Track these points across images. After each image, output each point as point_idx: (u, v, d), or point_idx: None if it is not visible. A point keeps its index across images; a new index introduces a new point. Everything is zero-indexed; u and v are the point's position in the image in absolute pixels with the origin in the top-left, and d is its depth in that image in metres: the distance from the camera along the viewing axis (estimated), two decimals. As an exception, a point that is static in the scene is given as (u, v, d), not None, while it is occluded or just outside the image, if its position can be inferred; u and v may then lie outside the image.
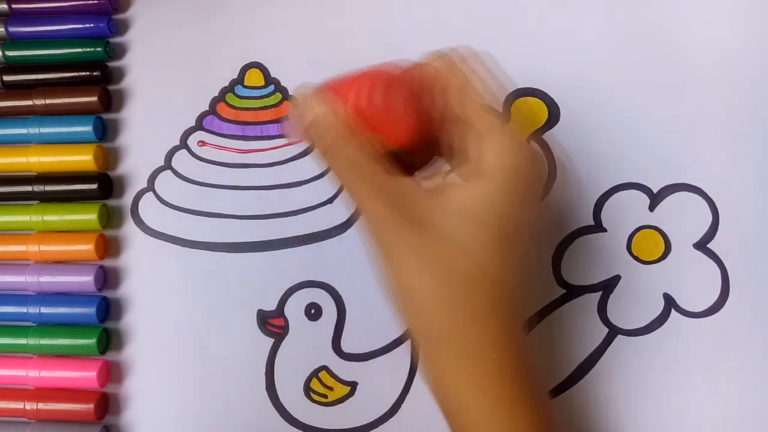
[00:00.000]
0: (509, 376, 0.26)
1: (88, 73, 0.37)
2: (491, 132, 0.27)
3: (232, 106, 0.37)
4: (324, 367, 0.35)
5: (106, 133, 0.38)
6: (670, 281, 0.35)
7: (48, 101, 0.37)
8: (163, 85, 0.38)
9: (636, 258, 0.35)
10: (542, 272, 0.35)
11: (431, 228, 0.26)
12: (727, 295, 0.34)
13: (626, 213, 0.35)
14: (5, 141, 0.37)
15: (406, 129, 0.27)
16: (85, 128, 0.36)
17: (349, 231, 0.36)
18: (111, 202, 0.37)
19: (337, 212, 0.36)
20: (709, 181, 0.35)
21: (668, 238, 0.35)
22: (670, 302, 0.34)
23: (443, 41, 0.36)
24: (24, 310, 0.36)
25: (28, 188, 0.36)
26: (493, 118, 0.27)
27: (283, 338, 0.35)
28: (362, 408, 0.35)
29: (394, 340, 0.35)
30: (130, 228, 0.37)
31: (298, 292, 0.36)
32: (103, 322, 0.36)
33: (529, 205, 0.27)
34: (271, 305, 0.36)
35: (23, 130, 0.37)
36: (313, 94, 0.28)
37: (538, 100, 0.36)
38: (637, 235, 0.35)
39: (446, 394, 0.27)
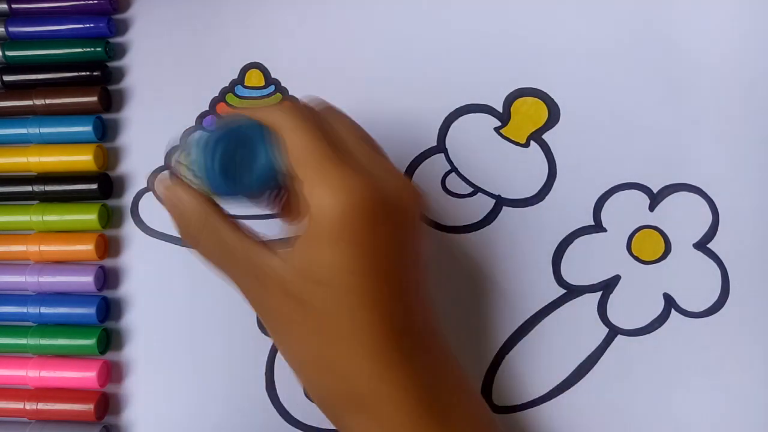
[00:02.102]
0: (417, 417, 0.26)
1: (88, 73, 0.37)
2: (304, 177, 0.25)
3: (232, 106, 0.37)
4: (324, 367, 0.35)
5: (106, 133, 0.38)
6: (670, 281, 0.35)
7: (48, 101, 0.37)
8: (163, 85, 0.38)
9: (636, 258, 0.35)
10: (542, 272, 0.35)
11: (299, 298, 0.25)
12: (727, 295, 0.34)
13: (626, 213, 0.35)
14: (5, 141, 0.37)
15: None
16: (85, 128, 0.36)
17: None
18: (111, 202, 0.37)
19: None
20: (709, 181, 0.35)
21: (668, 238, 0.35)
22: (670, 302, 0.34)
23: (443, 41, 0.37)
24: (24, 310, 0.36)
25: (28, 188, 0.36)
26: (312, 162, 0.25)
27: (283, 338, 0.35)
28: (362, 408, 0.35)
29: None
30: (130, 228, 0.37)
31: (298, 292, 0.36)
32: (103, 322, 0.36)
33: (376, 242, 0.25)
34: (271, 305, 0.36)
35: (23, 130, 0.37)
36: (171, 182, 0.27)
37: (538, 100, 0.36)
38: (637, 235, 0.35)
39: None
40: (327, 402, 0.27)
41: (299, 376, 0.27)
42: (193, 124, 0.37)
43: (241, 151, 0.26)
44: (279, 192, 0.28)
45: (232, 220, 0.27)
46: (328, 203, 0.24)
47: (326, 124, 0.27)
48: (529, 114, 0.36)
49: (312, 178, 0.25)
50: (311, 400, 0.28)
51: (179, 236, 0.29)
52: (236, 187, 0.27)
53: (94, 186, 0.36)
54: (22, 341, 0.35)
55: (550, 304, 0.35)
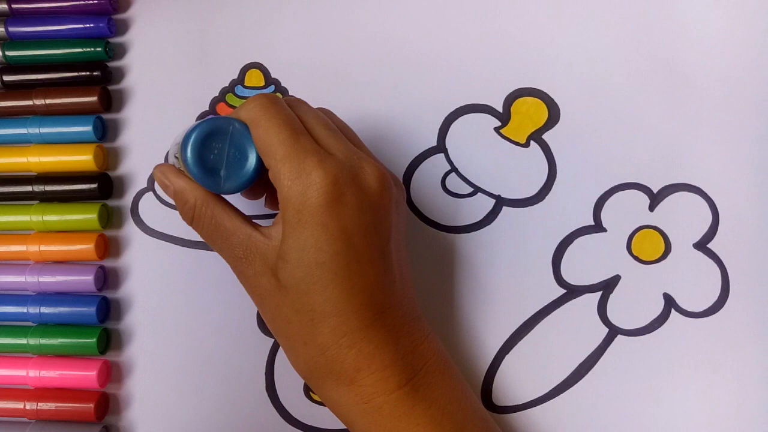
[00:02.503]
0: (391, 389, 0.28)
1: (88, 73, 0.37)
2: (277, 166, 0.27)
3: (232, 106, 0.37)
4: (324, 367, 0.35)
5: (106, 133, 0.38)
6: (670, 281, 0.35)
7: (48, 101, 0.37)
8: (163, 85, 0.38)
9: (636, 258, 0.35)
10: (542, 272, 0.35)
11: (278, 276, 0.27)
12: (727, 295, 0.34)
13: (626, 213, 0.35)
14: (5, 141, 0.37)
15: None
16: (85, 128, 0.36)
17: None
18: (111, 202, 0.37)
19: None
20: (709, 181, 0.35)
21: (668, 238, 0.35)
22: (670, 302, 0.34)
23: (443, 41, 0.37)
24: (24, 310, 0.36)
25: (28, 188, 0.36)
26: (280, 150, 0.27)
27: (283, 338, 0.35)
28: (362, 408, 0.35)
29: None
30: (130, 228, 0.37)
31: (298, 292, 0.36)
32: (103, 322, 0.36)
33: (341, 221, 0.27)
34: (271, 305, 0.36)
35: (23, 130, 0.37)
36: (169, 169, 0.30)
37: (538, 100, 0.36)
38: (637, 235, 0.35)
39: (338, 414, 0.29)
40: (310, 374, 0.28)
41: (285, 351, 0.29)
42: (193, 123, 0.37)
43: (220, 146, 0.28)
44: (260, 182, 0.29)
45: (222, 200, 0.29)
46: (292, 188, 0.26)
47: (294, 115, 0.28)
48: (529, 114, 0.36)
49: (277, 166, 0.27)
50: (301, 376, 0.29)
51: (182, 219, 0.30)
52: (220, 182, 0.28)
53: (94, 186, 0.36)
54: (22, 341, 0.35)
55: (550, 304, 0.35)
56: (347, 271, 0.27)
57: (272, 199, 0.33)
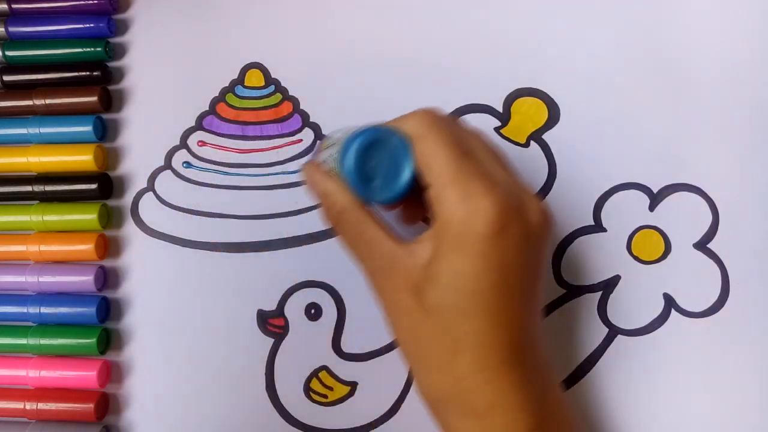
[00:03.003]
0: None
1: (88, 73, 0.37)
2: (440, 185, 0.26)
3: (232, 106, 0.37)
4: (324, 367, 0.35)
5: (106, 133, 0.38)
6: (670, 281, 0.35)
7: (48, 101, 0.37)
8: (163, 85, 0.38)
9: (636, 258, 0.35)
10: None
11: (422, 296, 0.26)
12: (727, 295, 0.34)
13: (626, 213, 0.35)
14: (5, 141, 0.37)
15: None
16: (85, 128, 0.36)
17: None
18: (111, 202, 0.37)
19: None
20: (709, 181, 0.35)
21: (668, 238, 0.35)
22: (670, 302, 0.34)
23: (443, 41, 0.37)
24: (24, 310, 0.36)
25: (28, 188, 0.36)
26: (447, 170, 0.26)
27: (283, 338, 0.35)
28: (362, 408, 0.35)
29: (395, 340, 0.35)
30: (130, 228, 0.37)
31: (298, 292, 0.36)
32: (103, 322, 0.36)
33: (503, 253, 0.25)
34: (271, 305, 0.36)
35: (23, 130, 0.37)
36: (317, 169, 0.29)
37: (538, 100, 0.36)
38: (637, 235, 0.35)
39: None
40: (437, 402, 0.27)
41: (414, 372, 0.28)
42: (193, 124, 0.37)
43: (378, 156, 0.27)
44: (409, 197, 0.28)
45: (368, 209, 0.28)
46: (457, 211, 0.25)
47: (460, 135, 0.27)
48: (529, 114, 0.36)
49: (444, 186, 0.26)
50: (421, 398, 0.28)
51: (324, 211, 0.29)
52: (371, 192, 0.27)
53: (94, 186, 0.36)
54: (22, 341, 0.35)
55: (550, 304, 0.35)
56: (499, 305, 0.26)
57: (410, 215, 0.32)
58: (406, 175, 0.27)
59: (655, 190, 0.35)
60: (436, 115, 0.27)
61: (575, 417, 0.29)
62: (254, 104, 0.37)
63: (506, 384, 0.26)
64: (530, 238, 0.26)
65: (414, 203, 0.29)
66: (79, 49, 0.37)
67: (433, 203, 0.26)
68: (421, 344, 0.27)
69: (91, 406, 0.35)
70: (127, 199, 0.37)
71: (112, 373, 0.36)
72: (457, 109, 0.36)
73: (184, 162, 0.37)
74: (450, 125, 0.27)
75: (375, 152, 0.27)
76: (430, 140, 0.26)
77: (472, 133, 0.29)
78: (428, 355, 0.27)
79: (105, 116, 0.38)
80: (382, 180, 0.27)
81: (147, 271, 0.37)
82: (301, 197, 0.36)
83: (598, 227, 0.35)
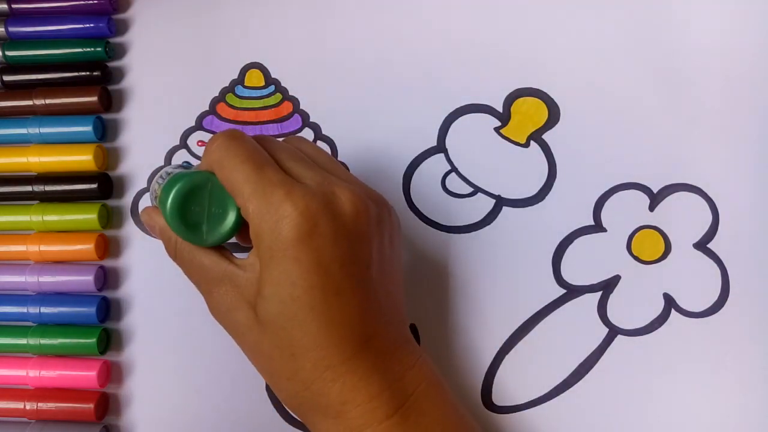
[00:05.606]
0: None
1: (88, 73, 0.37)
2: (245, 203, 0.26)
3: (232, 106, 0.37)
4: (324, 367, 0.35)
5: (106, 133, 0.38)
6: (670, 281, 0.35)
7: (48, 101, 0.37)
8: (163, 85, 0.38)
9: (636, 258, 0.35)
10: (542, 272, 0.35)
11: (256, 311, 0.27)
12: (727, 295, 0.34)
13: (626, 213, 0.35)
14: (5, 141, 0.37)
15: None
16: (85, 128, 0.36)
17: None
18: (111, 202, 0.37)
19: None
20: (709, 181, 0.35)
21: (668, 238, 0.35)
22: (670, 302, 0.34)
23: (443, 41, 0.37)
24: (24, 310, 0.36)
25: (28, 188, 0.36)
26: (247, 187, 0.26)
27: (283, 338, 0.35)
28: (362, 408, 0.35)
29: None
30: (130, 228, 0.37)
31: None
32: (103, 322, 0.36)
33: (316, 254, 0.26)
34: (271, 305, 0.36)
35: (23, 130, 0.37)
36: (153, 210, 0.30)
37: (538, 100, 0.36)
38: (637, 235, 0.35)
39: None
40: (297, 408, 0.28)
41: (269, 384, 0.29)
42: (193, 124, 0.37)
43: (199, 202, 0.28)
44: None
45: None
46: (262, 224, 0.26)
47: (257, 149, 0.28)
48: (529, 114, 0.36)
49: (248, 201, 0.26)
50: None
51: None
52: (197, 235, 0.28)
53: (94, 186, 0.36)
54: (22, 341, 0.35)
55: (550, 304, 0.35)
56: (324, 304, 0.26)
57: (246, 237, 0.33)
58: (232, 213, 0.28)
59: (655, 190, 0.35)
60: (231, 135, 0.28)
61: (442, 386, 0.29)
62: (254, 104, 0.37)
63: (354, 378, 0.26)
64: (344, 230, 0.26)
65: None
66: (79, 49, 0.37)
67: (247, 221, 0.27)
68: (265, 358, 0.27)
69: (91, 406, 0.35)
70: (127, 199, 0.37)
71: (112, 373, 0.36)
72: (457, 109, 0.36)
73: (184, 162, 0.37)
74: (244, 142, 0.28)
75: (195, 199, 0.28)
76: (227, 163, 0.27)
77: (276, 144, 0.29)
78: (275, 367, 0.27)
79: (105, 116, 0.38)
80: (210, 223, 0.28)
81: (147, 271, 0.37)
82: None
83: (598, 227, 0.35)
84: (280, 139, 0.30)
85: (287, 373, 0.27)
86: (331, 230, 0.26)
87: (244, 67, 0.37)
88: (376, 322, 0.27)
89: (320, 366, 0.26)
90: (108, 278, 0.37)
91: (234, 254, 0.29)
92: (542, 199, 0.35)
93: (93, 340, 0.35)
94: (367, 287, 0.27)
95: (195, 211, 0.28)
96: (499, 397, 0.34)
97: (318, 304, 0.26)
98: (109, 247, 0.37)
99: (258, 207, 0.26)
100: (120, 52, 0.38)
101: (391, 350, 0.28)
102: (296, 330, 0.26)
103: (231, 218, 0.28)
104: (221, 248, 0.29)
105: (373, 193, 0.29)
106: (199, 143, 0.37)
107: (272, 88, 0.37)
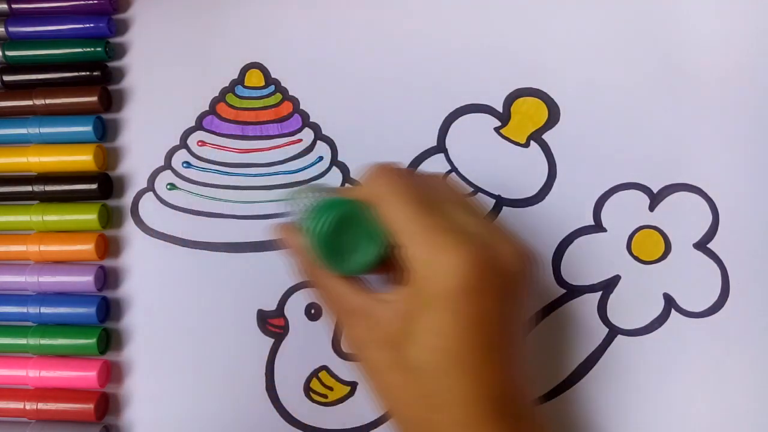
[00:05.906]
0: None
1: (88, 73, 0.37)
2: (407, 244, 0.25)
3: (232, 106, 0.37)
4: (324, 367, 0.35)
5: (106, 133, 0.38)
6: (670, 281, 0.35)
7: (48, 101, 0.37)
8: (163, 85, 0.38)
9: (636, 258, 0.35)
10: (542, 272, 0.35)
11: (400, 354, 0.26)
12: (727, 295, 0.34)
13: (626, 213, 0.35)
14: (5, 141, 0.37)
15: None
16: (85, 128, 0.36)
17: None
18: (111, 202, 0.37)
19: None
20: (709, 181, 0.35)
21: (668, 238, 0.35)
22: (670, 302, 0.34)
23: (443, 41, 0.37)
24: (24, 310, 0.36)
25: (28, 188, 0.36)
26: (412, 229, 0.25)
27: (283, 338, 0.35)
28: (362, 408, 0.35)
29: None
30: (130, 228, 0.37)
31: (298, 292, 0.36)
32: (103, 322, 0.36)
33: (478, 309, 0.25)
34: (271, 305, 0.36)
35: (23, 130, 0.37)
36: (290, 228, 0.29)
37: (538, 100, 0.36)
38: (637, 235, 0.35)
39: None
40: None
41: (395, 423, 0.27)
42: (193, 124, 0.37)
43: (348, 231, 0.27)
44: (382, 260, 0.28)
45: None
46: (425, 269, 0.25)
47: (421, 188, 0.27)
48: (529, 114, 0.36)
49: (412, 245, 0.25)
50: None
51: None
52: (340, 264, 0.27)
53: (94, 186, 0.36)
54: (22, 341, 0.35)
55: (550, 304, 0.35)
56: (475, 361, 0.25)
57: (383, 271, 0.31)
58: (378, 245, 0.27)
59: (655, 190, 0.35)
60: (394, 171, 0.27)
61: None
62: (254, 104, 0.37)
63: None
64: (508, 289, 0.26)
65: (387, 261, 0.28)
66: (79, 49, 0.37)
67: (405, 262, 0.26)
68: (401, 402, 0.26)
69: (91, 406, 0.35)
70: (127, 199, 0.37)
71: (112, 373, 0.36)
72: (457, 109, 0.36)
73: (184, 162, 0.37)
74: (409, 179, 0.27)
75: (344, 228, 0.27)
76: (391, 201, 0.26)
77: (434, 182, 0.28)
78: (410, 414, 0.26)
79: (105, 116, 0.38)
80: (352, 254, 0.27)
81: (147, 271, 0.37)
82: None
83: (598, 227, 0.35)
84: (427, 172, 0.29)
85: (421, 422, 0.26)
86: (495, 286, 0.25)
87: (244, 67, 0.37)
88: (518, 382, 0.27)
89: (460, 422, 0.25)
90: (108, 278, 0.37)
91: (372, 286, 0.28)
92: (542, 199, 0.35)
93: (93, 340, 0.35)
94: (516, 346, 0.27)
95: (342, 240, 0.27)
96: (499, 397, 0.34)
97: (469, 359, 0.25)
98: (109, 247, 0.37)
99: (422, 251, 0.25)
100: (120, 52, 0.38)
101: (527, 414, 0.27)
102: (443, 382, 0.25)
103: (376, 252, 0.27)
104: (359, 279, 0.28)
105: (528, 248, 0.28)
106: (199, 143, 0.37)
107: (272, 88, 0.37)
